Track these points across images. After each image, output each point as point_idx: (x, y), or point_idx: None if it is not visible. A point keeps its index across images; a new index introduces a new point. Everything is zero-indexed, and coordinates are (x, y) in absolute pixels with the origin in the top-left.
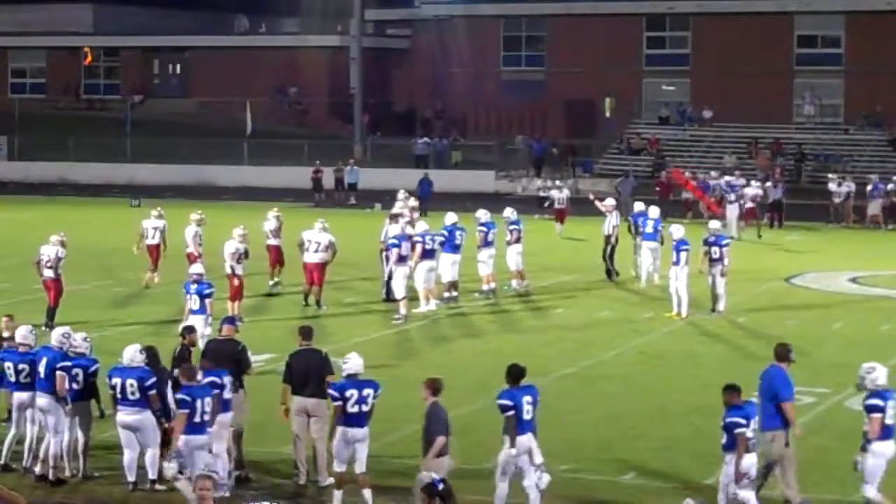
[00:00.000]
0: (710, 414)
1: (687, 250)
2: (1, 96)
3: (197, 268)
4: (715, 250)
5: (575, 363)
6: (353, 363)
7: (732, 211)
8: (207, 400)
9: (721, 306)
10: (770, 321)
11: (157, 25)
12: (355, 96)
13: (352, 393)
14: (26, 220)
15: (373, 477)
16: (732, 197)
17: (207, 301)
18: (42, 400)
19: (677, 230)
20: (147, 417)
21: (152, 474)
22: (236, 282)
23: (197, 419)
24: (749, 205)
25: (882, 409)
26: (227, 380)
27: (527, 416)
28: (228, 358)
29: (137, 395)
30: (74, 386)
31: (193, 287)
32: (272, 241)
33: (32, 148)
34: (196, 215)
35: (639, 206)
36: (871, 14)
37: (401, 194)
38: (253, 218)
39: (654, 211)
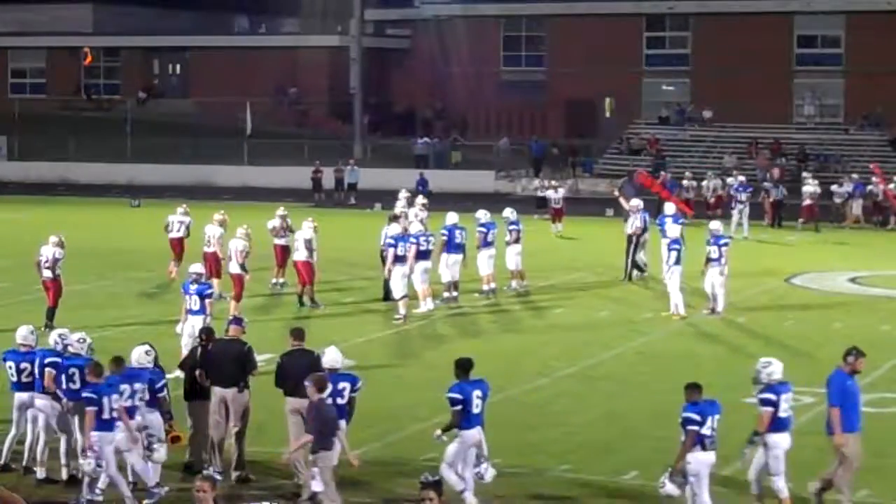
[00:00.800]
0: None
1: (679, 249)
2: (1, 96)
3: (197, 267)
4: (713, 249)
5: (575, 363)
6: (329, 357)
7: (743, 211)
8: (115, 397)
9: (720, 306)
10: (770, 321)
11: (157, 25)
12: (355, 96)
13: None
14: (26, 220)
15: (374, 477)
16: (743, 197)
17: (207, 301)
18: (41, 401)
19: (672, 229)
20: (156, 418)
21: (155, 476)
22: (245, 280)
23: (105, 416)
24: (808, 202)
25: (774, 404)
26: (139, 386)
27: (476, 410)
28: (234, 358)
29: (147, 397)
30: (71, 386)
31: (193, 287)
32: (279, 241)
33: (32, 148)
34: (219, 216)
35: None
36: (871, 14)
37: (402, 194)
38: (253, 218)
39: (671, 208)
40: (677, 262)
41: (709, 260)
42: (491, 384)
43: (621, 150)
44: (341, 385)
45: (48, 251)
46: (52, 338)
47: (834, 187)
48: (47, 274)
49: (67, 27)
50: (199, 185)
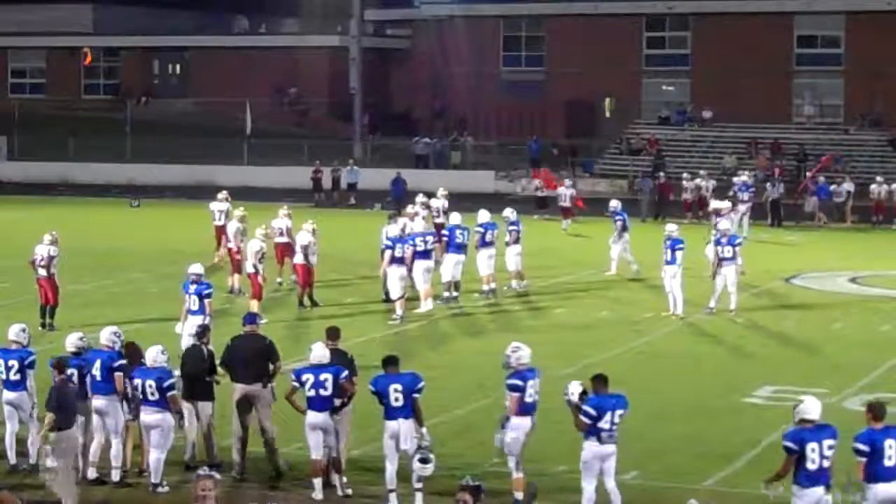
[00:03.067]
0: (709, 414)
1: (682, 249)
2: (1, 96)
3: (196, 267)
4: (728, 249)
5: (575, 363)
6: (315, 353)
7: (744, 210)
8: None
9: (733, 304)
10: (770, 321)
11: (157, 25)
12: (355, 96)
13: (308, 377)
14: (26, 220)
15: (373, 477)
16: (745, 197)
17: (206, 301)
18: (99, 402)
19: (672, 229)
20: (166, 418)
21: (154, 477)
22: (259, 280)
23: None
24: None
25: (521, 389)
26: None
27: (395, 403)
28: (258, 354)
29: (157, 396)
30: (71, 385)
31: (193, 287)
32: (280, 240)
33: (32, 148)
34: (240, 212)
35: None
36: (871, 14)
37: (422, 197)
38: (253, 218)
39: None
40: (681, 261)
41: (721, 260)
42: (491, 384)
43: (621, 150)
44: (323, 376)
45: (42, 250)
46: (106, 337)
47: (833, 187)
48: (42, 272)
49: (67, 27)
50: (199, 185)
